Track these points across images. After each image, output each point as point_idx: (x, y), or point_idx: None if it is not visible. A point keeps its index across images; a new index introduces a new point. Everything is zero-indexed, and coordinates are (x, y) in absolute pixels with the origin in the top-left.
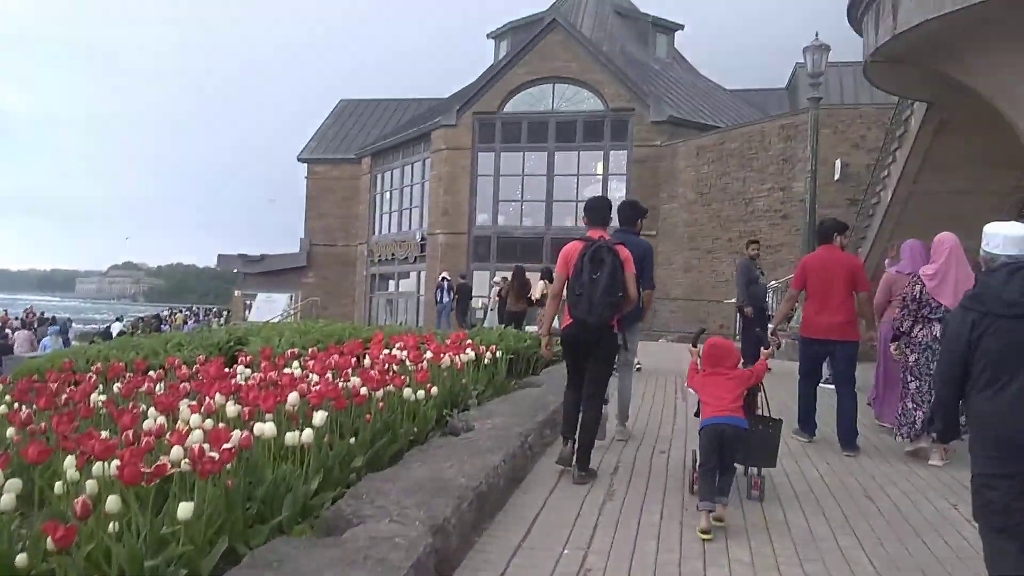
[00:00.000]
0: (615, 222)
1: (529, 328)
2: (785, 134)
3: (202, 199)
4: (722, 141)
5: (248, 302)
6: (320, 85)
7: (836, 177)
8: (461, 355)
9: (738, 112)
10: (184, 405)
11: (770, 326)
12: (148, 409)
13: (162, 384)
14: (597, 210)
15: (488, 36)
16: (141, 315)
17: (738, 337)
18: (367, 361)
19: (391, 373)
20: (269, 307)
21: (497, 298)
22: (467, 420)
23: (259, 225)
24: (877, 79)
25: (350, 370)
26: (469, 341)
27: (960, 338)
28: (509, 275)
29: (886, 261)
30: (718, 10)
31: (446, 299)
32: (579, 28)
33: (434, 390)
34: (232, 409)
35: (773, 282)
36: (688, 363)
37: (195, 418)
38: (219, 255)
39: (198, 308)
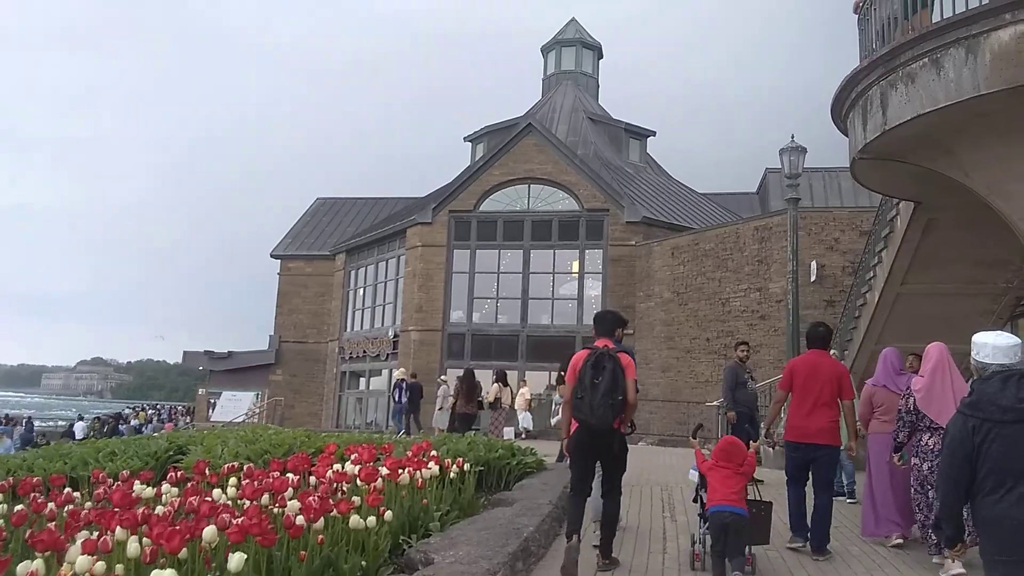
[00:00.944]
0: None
1: (507, 434)
2: (760, 235)
3: (177, 294)
4: (697, 242)
5: (212, 400)
6: (299, 185)
7: (812, 279)
8: (423, 470)
9: (711, 214)
10: (78, 540)
11: (762, 428)
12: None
13: (67, 508)
14: (604, 321)
15: (465, 139)
16: (98, 414)
17: None
18: (313, 479)
19: (341, 494)
20: (234, 406)
21: (450, 398)
22: (427, 551)
23: (234, 322)
24: (863, 177)
25: (290, 491)
26: (433, 453)
27: (964, 443)
28: (458, 376)
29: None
30: (688, 119)
31: (404, 399)
32: (554, 133)
33: (388, 514)
34: (133, 548)
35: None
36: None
37: (82, 560)
38: (184, 351)
39: (162, 405)
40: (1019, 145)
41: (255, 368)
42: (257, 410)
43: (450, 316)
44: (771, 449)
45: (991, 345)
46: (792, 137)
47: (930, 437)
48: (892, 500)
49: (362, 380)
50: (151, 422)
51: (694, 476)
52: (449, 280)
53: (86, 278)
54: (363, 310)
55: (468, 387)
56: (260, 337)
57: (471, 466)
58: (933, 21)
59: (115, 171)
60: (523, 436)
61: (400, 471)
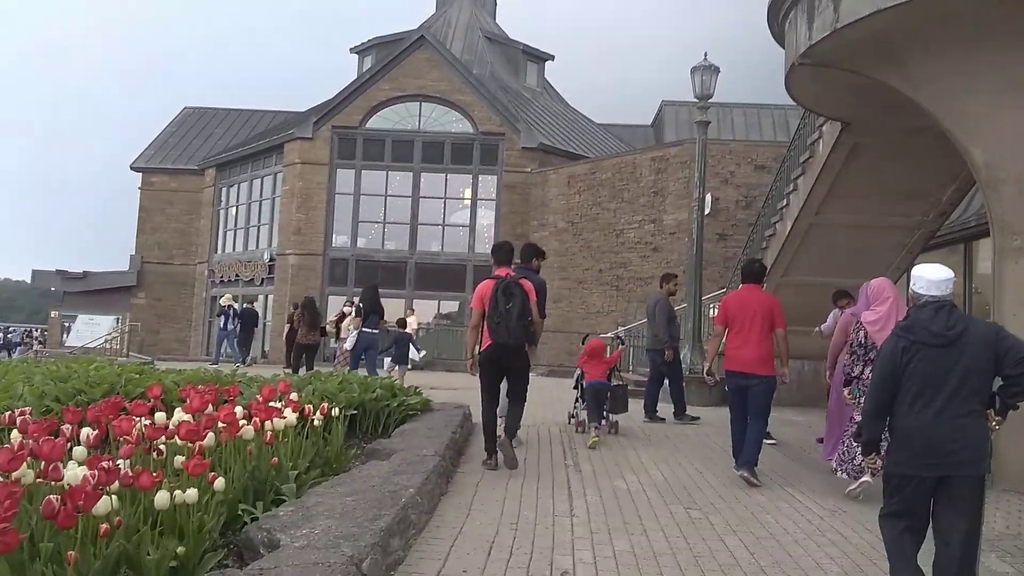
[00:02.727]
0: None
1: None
2: (656, 167)
3: (35, 209)
4: (593, 171)
5: (67, 324)
6: (165, 93)
7: (707, 212)
8: (274, 419)
9: (607, 145)
10: None
11: (704, 364)
12: None
13: None
14: (503, 251)
15: (351, 51)
16: None
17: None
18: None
19: (157, 456)
20: (91, 330)
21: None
22: (272, 528)
23: (94, 242)
24: (798, 89)
25: (76, 455)
26: (292, 396)
27: (893, 360)
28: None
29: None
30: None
31: (231, 326)
32: (448, 49)
33: (219, 483)
34: None
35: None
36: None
37: None
38: (33, 271)
39: (15, 329)
40: (983, 55)
41: (115, 290)
42: (115, 335)
43: (333, 240)
44: (712, 385)
45: (926, 278)
46: (705, 55)
47: (868, 369)
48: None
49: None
50: None
51: (577, 372)
52: (332, 201)
53: None
54: (235, 231)
55: (311, 315)
56: (122, 258)
57: (340, 410)
58: None
59: None
60: (409, 368)
61: (243, 422)
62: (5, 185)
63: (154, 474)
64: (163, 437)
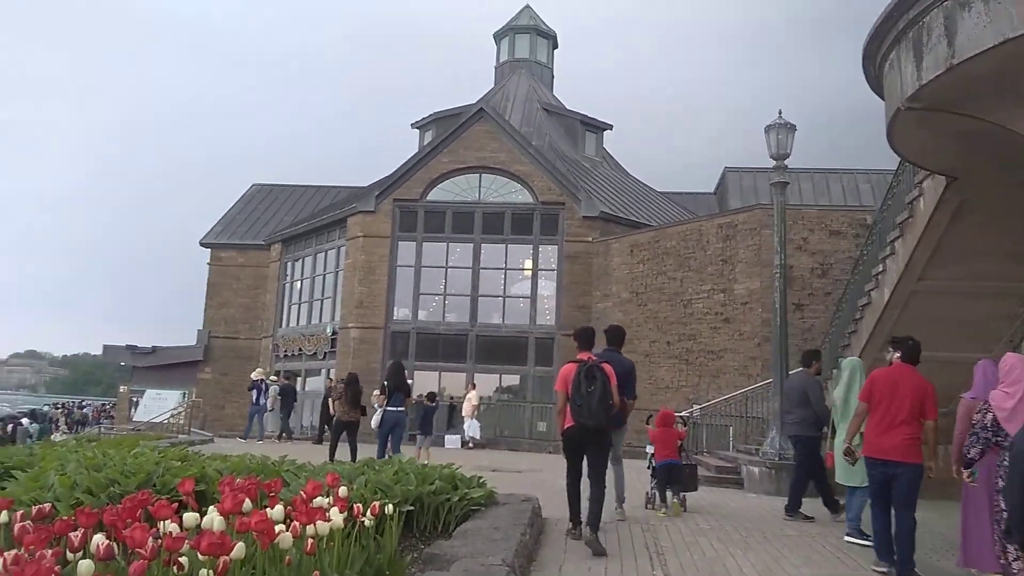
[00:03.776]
0: (596, 342)
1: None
2: (724, 233)
3: (112, 287)
4: (657, 239)
5: (135, 399)
6: (235, 177)
7: None
8: (316, 523)
9: (670, 213)
10: None
11: (844, 444)
12: None
13: None
14: (585, 337)
15: (413, 126)
16: None
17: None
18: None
19: (177, 571)
20: (159, 405)
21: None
22: None
23: (163, 317)
24: (902, 138)
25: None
26: (342, 491)
27: None
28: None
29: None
30: (642, 113)
31: (263, 400)
32: (507, 120)
33: None
34: None
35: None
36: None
37: None
38: (104, 345)
39: (89, 403)
40: None
41: (182, 365)
42: (181, 411)
43: (394, 313)
44: (852, 464)
45: None
46: (780, 113)
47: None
48: (988, 530)
49: (298, 380)
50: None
51: (650, 450)
52: (393, 274)
53: (11, 269)
54: (300, 304)
55: (353, 392)
56: (190, 333)
57: (395, 507)
58: None
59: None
60: (470, 446)
61: (280, 527)
62: (84, 260)
63: None
64: (186, 546)
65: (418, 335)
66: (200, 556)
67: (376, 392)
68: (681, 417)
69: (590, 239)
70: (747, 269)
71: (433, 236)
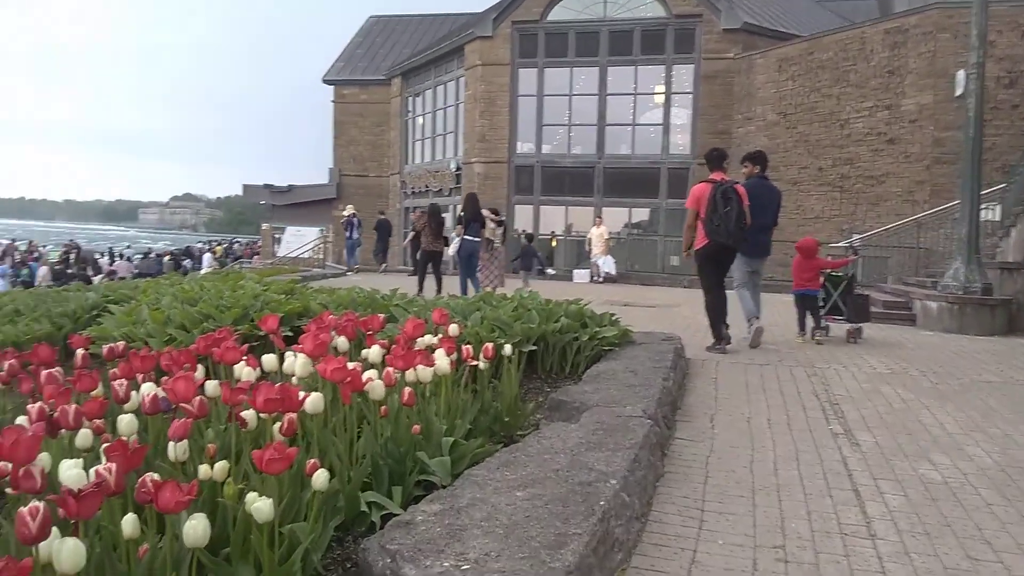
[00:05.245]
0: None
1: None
2: (890, 40)
3: (257, 130)
4: (811, 51)
5: (277, 236)
6: (354, 8)
7: (957, 92)
8: (417, 368)
9: (823, 21)
10: None
11: None
12: None
13: None
14: (715, 158)
15: None
16: (166, 251)
17: None
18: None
19: (240, 431)
20: (298, 241)
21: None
22: (398, 555)
23: (305, 157)
24: None
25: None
26: (452, 328)
27: None
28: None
29: None
30: None
31: (356, 235)
32: None
33: (321, 478)
34: None
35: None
36: None
37: None
38: (244, 185)
39: (241, 241)
40: None
41: (317, 203)
42: (319, 246)
43: (517, 147)
44: None
45: None
46: None
47: None
48: None
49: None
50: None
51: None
52: (515, 105)
53: (163, 116)
54: (423, 140)
55: (436, 223)
56: (325, 172)
57: (514, 348)
58: None
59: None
60: (599, 280)
61: (370, 373)
62: (225, 108)
63: (190, 484)
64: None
65: (543, 169)
66: (262, 416)
67: (496, 221)
68: (851, 246)
69: (731, 55)
70: (918, 81)
71: (555, 61)
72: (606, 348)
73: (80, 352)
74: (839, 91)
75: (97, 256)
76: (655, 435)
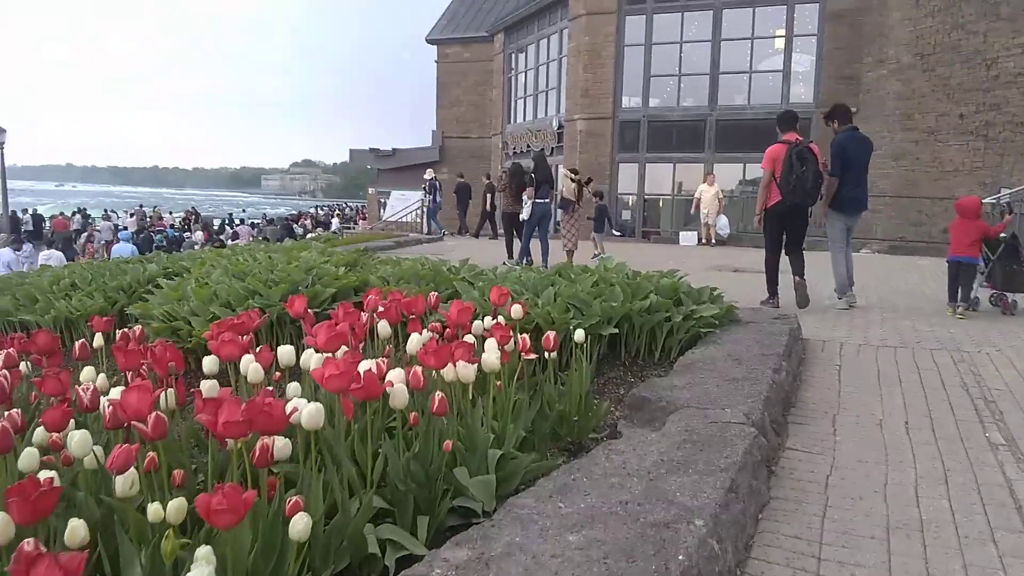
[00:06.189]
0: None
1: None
2: None
3: (367, 93)
4: None
5: (383, 200)
6: None
7: None
8: (458, 363)
9: None
10: None
11: None
12: None
13: None
14: (787, 120)
15: None
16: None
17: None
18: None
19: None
20: (403, 205)
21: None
22: None
23: (410, 119)
24: None
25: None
26: (513, 308)
27: None
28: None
29: None
30: None
31: (439, 199)
32: None
33: (300, 524)
34: None
35: None
36: None
37: None
38: (350, 150)
39: (350, 205)
40: None
41: (421, 166)
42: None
43: (622, 101)
44: None
45: None
46: None
47: None
48: None
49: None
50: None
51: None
52: (620, 56)
53: (284, 84)
54: (525, 99)
55: (518, 184)
56: (428, 135)
57: (587, 334)
58: None
59: None
60: (713, 243)
61: (393, 377)
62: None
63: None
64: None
65: (650, 124)
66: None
67: (577, 181)
68: (1002, 202)
69: None
70: None
71: (665, 6)
72: (704, 329)
73: (79, 342)
74: (986, 26)
75: (216, 222)
76: (760, 449)
